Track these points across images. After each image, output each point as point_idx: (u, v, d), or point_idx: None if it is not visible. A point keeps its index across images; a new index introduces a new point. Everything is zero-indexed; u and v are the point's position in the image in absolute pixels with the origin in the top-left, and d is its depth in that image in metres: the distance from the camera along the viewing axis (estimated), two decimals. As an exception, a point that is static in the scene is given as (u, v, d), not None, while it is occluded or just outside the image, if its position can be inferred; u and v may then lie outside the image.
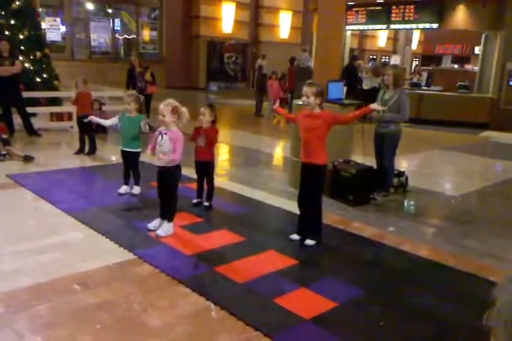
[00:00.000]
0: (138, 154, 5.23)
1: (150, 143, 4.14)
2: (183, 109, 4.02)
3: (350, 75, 12.38)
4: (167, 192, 4.16)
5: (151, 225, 4.18)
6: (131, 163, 5.23)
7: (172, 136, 3.95)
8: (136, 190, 5.23)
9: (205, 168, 4.83)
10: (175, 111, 3.94)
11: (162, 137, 3.98)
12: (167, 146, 3.96)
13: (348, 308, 3.05)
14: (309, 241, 4.03)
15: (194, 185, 5.05)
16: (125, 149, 5.19)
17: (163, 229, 4.11)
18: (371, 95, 10.56)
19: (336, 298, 3.14)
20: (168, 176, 4.08)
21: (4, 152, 6.56)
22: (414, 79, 16.71)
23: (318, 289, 3.26)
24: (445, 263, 3.82)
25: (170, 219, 4.16)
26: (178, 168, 4.10)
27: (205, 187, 4.92)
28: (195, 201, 4.92)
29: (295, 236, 4.12)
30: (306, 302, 3.09)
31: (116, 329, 2.70)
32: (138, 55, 11.10)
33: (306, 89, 3.88)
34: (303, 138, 3.99)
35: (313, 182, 4.00)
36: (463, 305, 3.14)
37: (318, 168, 3.95)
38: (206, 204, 4.88)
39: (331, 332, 2.76)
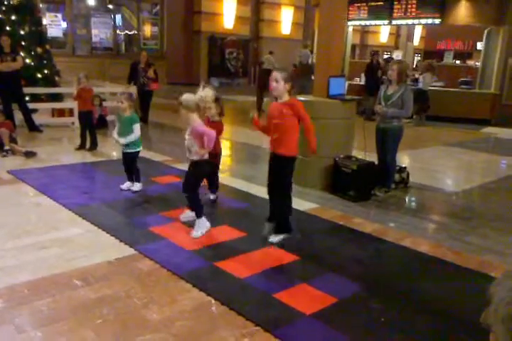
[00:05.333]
0: (136, 154, 5.22)
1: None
2: (194, 100, 3.95)
3: (371, 73, 12.28)
4: (187, 187, 4.09)
5: (182, 217, 4.25)
6: (130, 162, 5.23)
7: (193, 130, 3.95)
8: (137, 186, 5.21)
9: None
10: (180, 104, 3.92)
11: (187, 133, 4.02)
12: (192, 142, 3.96)
13: (349, 304, 3.05)
14: (272, 239, 3.85)
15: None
16: (124, 151, 5.19)
17: (196, 228, 4.04)
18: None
19: (336, 294, 3.13)
20: (192, 168, 4.06)
21: (8, 147, 6.58)
22: (417, 75, 16.63)
23: (319, 285, 3.26)
24: (446, 259, 3.81)
25: (198, 216, 4.08)
26: (206, 162, 4.06)
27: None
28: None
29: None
30: (306, 298, 3.08)
31: (117, 324, 2.71)
32: (146, 51, 11.10)
33: (275, 74, 3.72)
34: (271, 127, 3.81)
35: (279, 174, 3.82)
36: (464, 301, 3.14)
37: (284, 159, 3.75)
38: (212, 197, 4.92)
39: (331, 328, 2.76)
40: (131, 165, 5.21)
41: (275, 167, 3.87)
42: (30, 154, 6.53)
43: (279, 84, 3.70)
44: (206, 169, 4.17)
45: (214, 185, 4.94)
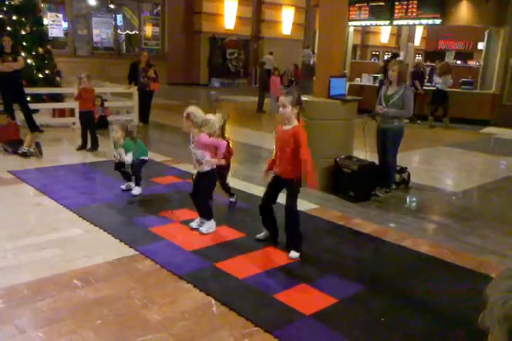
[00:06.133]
0: (141, 161, 5.20)
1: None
2: (203, 116, 3.96)
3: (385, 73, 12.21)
4: (200, 194, 4.17)
5: (194, 223, 4.25)
6: (132, 169, 5.21)
7: (197, 143, 4.00)
8: (137, 190, 5.16)
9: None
10: (187, 117, 3.95)
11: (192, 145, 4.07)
12: (199, 154, 4.02)
13: (349, 304, 3.05)
14: (293, 254, 3.73)
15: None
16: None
17: (204, 226, 4.17)
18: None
19: (336, 294, 3.14)
20: (203, 179, 4.12)
21: (26, 150, 6.55)
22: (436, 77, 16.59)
23: (319, 285, 3.26)
24: (446, 259, 3.81)
25: (208, 218, 4.20)
26: (214, 172, 4.13)
27: None
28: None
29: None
30: (306, 298, 3.09)
31: (117, 325, 2.71)
32: (148, 51, 11.12)
33: (282, 99, 3.69)
34: (277, 151, 3.82)
35: (287, 193, 3.82)
36: (464, 301, 3.14)
37: (289, 183, 3.75)
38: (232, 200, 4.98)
39: (331, 328, 2.77)
40: (133, 172, 5.19)
41: (279, 188, 3.89)
42: (38, 145, 6.57)
43: (286, 108, 3.67)
44: (214, 179, 4.24)
45: (227, 190, 4.96)
